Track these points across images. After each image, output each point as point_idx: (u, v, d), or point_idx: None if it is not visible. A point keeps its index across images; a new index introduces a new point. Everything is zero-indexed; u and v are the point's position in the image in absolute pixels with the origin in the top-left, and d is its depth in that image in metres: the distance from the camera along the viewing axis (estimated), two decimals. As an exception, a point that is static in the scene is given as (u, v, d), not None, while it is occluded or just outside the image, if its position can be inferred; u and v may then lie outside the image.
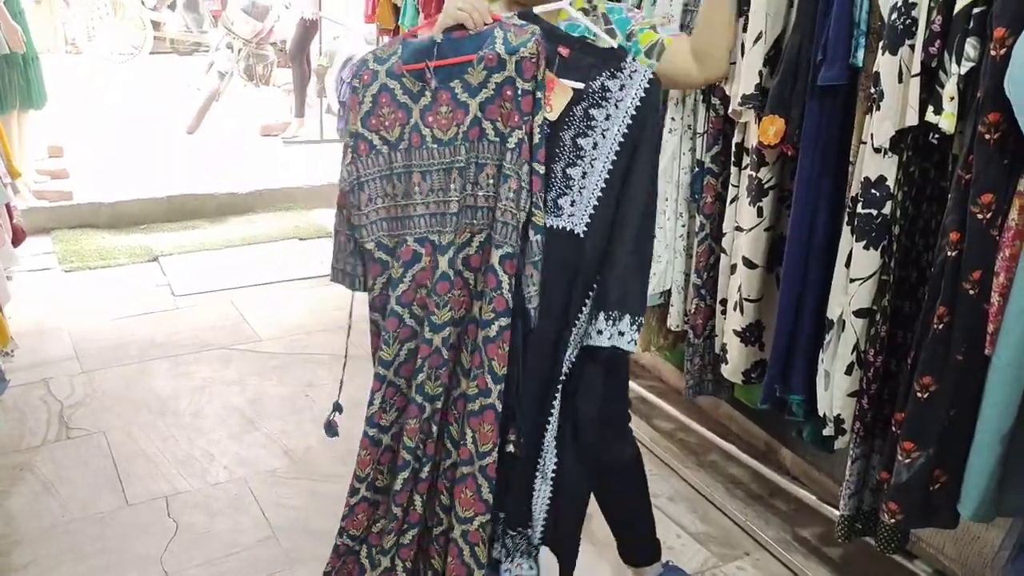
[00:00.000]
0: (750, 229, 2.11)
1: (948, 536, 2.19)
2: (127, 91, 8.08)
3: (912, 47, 1.65)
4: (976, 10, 1.52)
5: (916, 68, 1.63)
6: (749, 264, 2.13)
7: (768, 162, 2.06)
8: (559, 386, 1.73)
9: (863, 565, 2.32)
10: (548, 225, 1.66)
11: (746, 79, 2.05)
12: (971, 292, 1.55)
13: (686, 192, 2.43)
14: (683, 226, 2.47)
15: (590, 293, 1.69)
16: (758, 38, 2.00)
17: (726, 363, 2.27)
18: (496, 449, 1.70)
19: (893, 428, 1.75)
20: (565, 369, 1.72)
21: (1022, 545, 1.44)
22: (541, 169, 1.61)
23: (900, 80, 1.66)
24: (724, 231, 2.25)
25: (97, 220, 4.78)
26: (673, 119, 2.39)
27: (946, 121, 1.57)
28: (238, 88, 7.56)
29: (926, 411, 1.63)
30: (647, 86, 1.64)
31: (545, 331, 1.71)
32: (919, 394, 1.64)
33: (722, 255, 2.26)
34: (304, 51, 6.82)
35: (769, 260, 2.15)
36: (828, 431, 1.93)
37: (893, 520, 1.72)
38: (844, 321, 1.85)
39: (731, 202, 2.22)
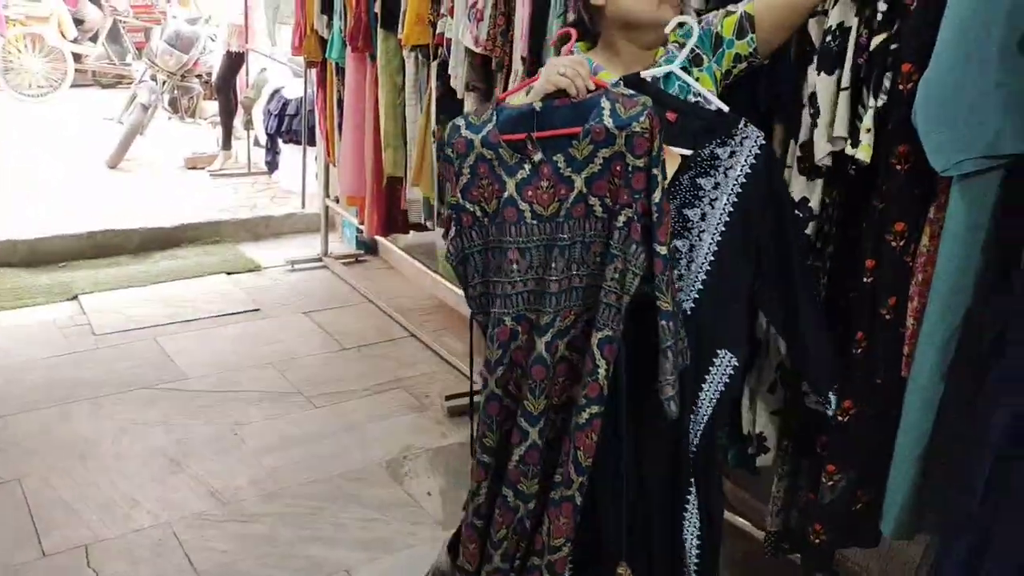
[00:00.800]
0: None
1: (872, 553, 2.23)
2: (47, 125, 7.86)
3: (843, 69, 1.68)
4: (893, 46, 1.57)
5: (846, 83, 1.66)
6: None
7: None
8: (691, 482, 1.62)
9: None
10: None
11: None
12: (888, 317, 1.60)
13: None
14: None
15: (706, 377, 1.60)
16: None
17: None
18: (568, 544, 1.61)
19: (818, 449, 1.78)
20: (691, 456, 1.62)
21: (938, 564, 1.48)
22: (662, 250, 1.48)
23: (835, 99, 1.68)
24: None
25: (13, 258, 4.61)
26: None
27: (863, 152, 1.61)
28: (163, 121, 7.42)
29: (847, 434, 1.68)
30: (758, 152, 1.57)
31: (659, 423, 1.58)
32: (840, 418, 1.68)
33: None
34: (230, 83, 6.74)
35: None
36: (751, 449, 1.96)
37: (818, 540, 1.75)
38: (768, 341, 1.89)
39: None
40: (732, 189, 1.57)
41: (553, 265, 1.55)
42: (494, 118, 1.57)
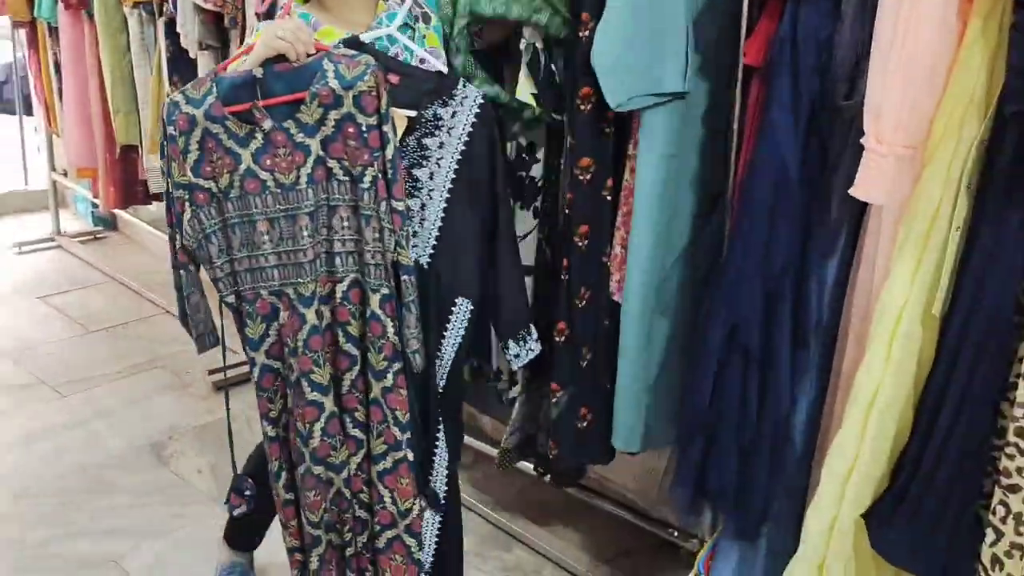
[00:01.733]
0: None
1: (628, 475, 2.44)
2: None
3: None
4: None
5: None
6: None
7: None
8: (439, 419, 1.71)
9: (561, 511, 2.52)
10: None
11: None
12: (579, 244, 1.77)
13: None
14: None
15: (447, 325, 1.68)
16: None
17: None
18: (415, 500, 1.64)
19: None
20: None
21: (677, 468, 1.66)
22: (399, 205, 1.52)
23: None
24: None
25: None
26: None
27: (518, 91, 1.79)
28: None
29: (563, 353, 1.83)
30: (478, 110, 1.64)
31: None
32: (556, 339, 1.83)
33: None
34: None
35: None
36: (502, 385, 2.10)
37: (554, 454, 1.91)
38: None
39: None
40: (456, 148, 1.66)
41: (304, 233, 1.54)
42: (214, 89, 1.50)
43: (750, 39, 1.55)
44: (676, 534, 2.16)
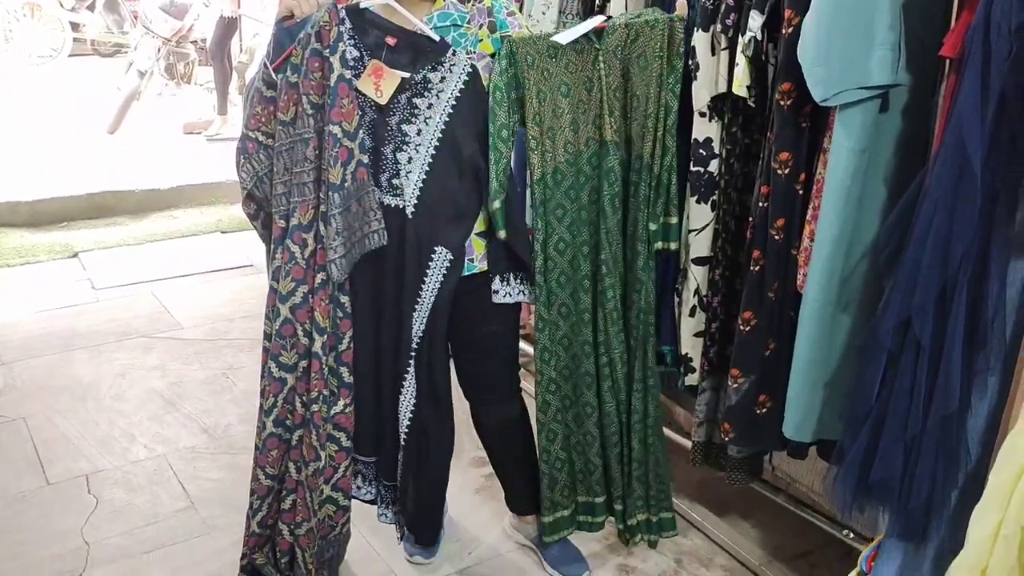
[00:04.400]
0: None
1: (816, 476, 2.39)
2: (48, 93, 7.99)
3: (716, 26, 1.87)
4: None
5: (724, 44, 1.84)
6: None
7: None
8: (411, 354, 1.89)
9: (742, 504, 2.52)
10: (387, 204, 1.80)
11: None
12: (776, 237, 1.78)
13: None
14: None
15: (427, 271, 1.84)
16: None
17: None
18: (341, 400, 1.88)
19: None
20: (415, 342, 1.88)
21: (841, 458, 1.64)
22: (334, 129, 1.71)
23: (713, 53, 1.87)
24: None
25: (15, 219, 4.78)
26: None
27: (735, 87, 1.80)
28: (159, 86, 7.54)
29: (747, 342, 1.86)
30: (466, 78, 1.79)
31: (391, 300, 1.87)
32: (742, 327, 1.86)
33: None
34: (224, 49, 6.84)
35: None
36: (681, 369, 2.14)
37: (727, 439, 1.93)
38: (686, 269, 2.05)
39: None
40: (444, 109, 1.80)
41: (307, 162, 1.76)
42: None
43: (950, 31, 1.52)
44: (852, 537, 2.12)
